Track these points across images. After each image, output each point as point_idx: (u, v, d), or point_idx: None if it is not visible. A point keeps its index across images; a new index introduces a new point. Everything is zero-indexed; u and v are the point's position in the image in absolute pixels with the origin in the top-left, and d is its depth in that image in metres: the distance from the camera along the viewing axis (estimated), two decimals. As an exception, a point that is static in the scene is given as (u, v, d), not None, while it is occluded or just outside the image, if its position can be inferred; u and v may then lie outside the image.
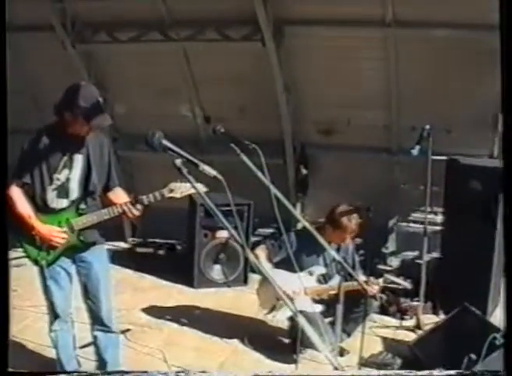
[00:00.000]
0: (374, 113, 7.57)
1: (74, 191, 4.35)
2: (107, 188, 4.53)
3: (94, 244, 4.49)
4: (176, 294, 7.12)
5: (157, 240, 8.30)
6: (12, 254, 7.22)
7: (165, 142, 3.10)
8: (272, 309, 5.45)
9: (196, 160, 3.05)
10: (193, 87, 8.07)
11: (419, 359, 5.30)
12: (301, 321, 2.78)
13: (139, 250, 8.30)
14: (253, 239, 7.28)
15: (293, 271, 4.85)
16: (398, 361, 5.34)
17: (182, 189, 4.20)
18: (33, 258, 4.38)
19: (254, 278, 7.25)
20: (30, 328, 5.82)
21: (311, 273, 5.50)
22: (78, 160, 4.32)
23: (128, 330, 5.73)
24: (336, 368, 2.62)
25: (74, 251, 4.43)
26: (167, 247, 8.23)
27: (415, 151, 5.96)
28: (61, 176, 4.29)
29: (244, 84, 7.73)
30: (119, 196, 4.51)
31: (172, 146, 3.09)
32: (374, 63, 7.23)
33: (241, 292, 7.21)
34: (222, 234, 7.25)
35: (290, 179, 8.02)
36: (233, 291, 7.27)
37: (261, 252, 5.50)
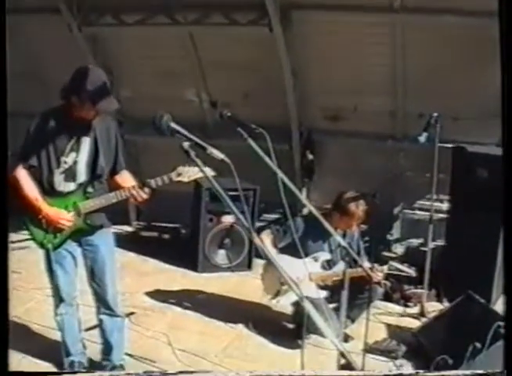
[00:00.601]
0: (380, 99, 7.54)
1: (82, 174, 4.34)
2: (114, 171, 4.52)
3: (101, 227, 4.49)
4: (180, 278, 7.14)
5: (162, 224, 8.30)
6: (17, 236, 7.33)
7: (173, 125, 3.08)
8: (277, 294, 5.45)
9: (203, 144, 3.04)
10: (200, 71, 8.04)
11: (423, 346, 5.32)
12: (307, 306, 2.76)
13: (144, 234, 8.31)
14: (258, 224, 7.28)
15: (298, 257, 4.86)
16: (403, 348, 5.34)
17: (189, 173, 4.18)
18: (39, 241, 4.37)
19: (258, 263, 7.25)
20: (35, 310, 5.85)
21: (315, 259, 5.50)
22: (86, 143, 4.31)
23: (132, 313, 5.73)
24: (342, 354, 2.61)
25: (81, 234, 4.43)
26: (171, 232, 8.24)
27: (422, 138, 5.95)
28: (68, 159, 4.28)
29: (251, 70, 7.70)
30: (126, 179, 4.51)
31: (180, 129, 3.07)
32: (381, 49, 7.19)
33: (245, 277, 7.22)
34: (227, 219, 7.27)
35: (295, 165, 8.00)
36: (237, 275, 7.29)
37: (266, 237, 5.50)
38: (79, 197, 4.32)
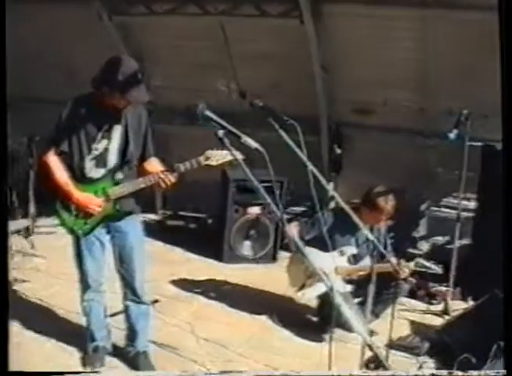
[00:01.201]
0: (411, 94, 7.48)
1: (112, 161, 4.38)
2: (143, 158, 4.55)
3: (130, 213, 4.53)
4: (205, 268, 7.15)
5: (188, 214, 8.31)
6: (44, 221, 7.41)
7: (208, 113, 3.10)
8: (302, 286, 5.46)
9: (238, 132, 3.05)
10: (229, 62, 8.03)
11: (446, 344, 5.28)
12: (337, 298, 2.76)
13: (170, 223, 8.33)
14: (284, 217, 7.26)
15: (325, 250, 4.85)
16: (426, 345, 5.32)
17: (218, 156, 4.20)
18: (68, 226, 4.42)
19: (284, 256, 7.28)
20: (60, 295, 5.89)
21: (342, 253, 5.49)
22: (117, 131, 4.35)
23: (156, 301, 5.75)
24: (369, 346, 2.61)
25: (110, 220, 4.47)
26: (197, 221, 8.25)
27: (452, 135, 5.91)
28: (99, 146, 4.32)
29: (280, 61, 7.68)
30: (154, 166, 4.53)
31: (215, 117, 3.09)
32: (412, 43, 7.12)
33: (270, 269, 7.21)
34: (254, 210, 7.28)
35: (323, 158, 7.98)
36: (262, 267, 7.29)
37: (294, 229, 5.48)
38: (108, 183, 4.36)
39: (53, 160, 4.29)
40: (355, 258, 5.57)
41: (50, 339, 5.06)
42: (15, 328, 4.95)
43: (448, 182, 7.13)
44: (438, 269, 5.64)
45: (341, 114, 7.95)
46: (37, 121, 8.18)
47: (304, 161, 3.77)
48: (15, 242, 7.06)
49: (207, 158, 4.24)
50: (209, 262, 7.38)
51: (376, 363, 2.65)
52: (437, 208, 7.70)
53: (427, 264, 5.56)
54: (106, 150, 4.34)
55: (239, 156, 3.45)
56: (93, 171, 4.36)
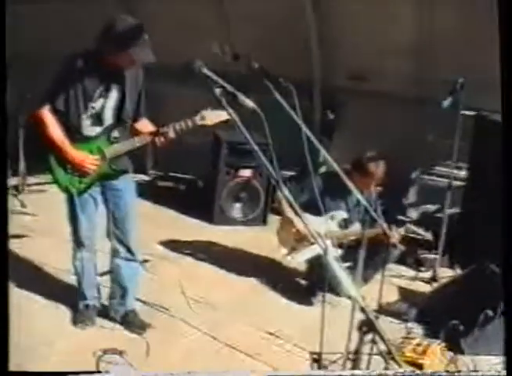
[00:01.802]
0: (406, 62, 7.42)
1: (108, 120, 4.35)
2: (135, 118, 4.52)
3: (124, 172, 4.50)
4: (195, 230, 7.17)
5: (178, 175, 8.30)
6: (35, 179, 7.37)
7: (205, 71, 3.07)
8: (291, 250, 5.48)
9: (235, 91, 3.02)
10: (224, 24, 7.96)
11: (434, 310, 5.33)
12: (330, 260, 2.77)
13: (160, 183, 8.33)
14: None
15: (315, 214, 4.85)
16: (414, 311, 5.36)
17: (213, 116, 4.18)
18: (63, 184, 4.37)
19: (273, 219, 7.29)
20: (50, 253, 5.88)
21: (332, 218, 5.51)
22: (114, 89, 4.31)
23: (146, 261, 5.76)
24: (362, 309, 2.62)
25: (105, 179, 4.45)
26: (187, 183, 8.25)
27: (446, 102, 5.89)
28: (96, 105, 4.28)
29: (276, 25, 7.60)
30: (146, 126, 4.52)
31: (212, 75, 3.06)
32: (408, 10, 7.06)
33: (260, 232, 7.23)
34: (245, 173, 7.28)
35: (315, 123, 7.95)
36: (252, 230, 7.31)
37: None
38: (104, 141, 4.33)
39: (49, 118, 4.23)
40: (346, 223, 5.59)
41: (41, 298, 5.08)
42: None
43: (440, 150, 7.12)
44: (428, 235, 5.67)
45: (336, 80, 7.89)
46: (28, 78, 8.16)
47: (300, 124, 3.75)
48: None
49: (202, 118, 4.22)
50: (199, 223, 7.37)
51: (368, 326, 2.64)
52: (427, 176, 7.70)
53: (418, 230, 5.59)
54: (102, 108, 4.30)
55: (235, 116, 3.43)
56: (89, 129, 4.31)
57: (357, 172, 5.50)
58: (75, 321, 4.79)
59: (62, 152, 4.25)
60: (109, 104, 4.32)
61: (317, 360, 4.34)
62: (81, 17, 8.07)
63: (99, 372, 4.05)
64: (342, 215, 5.55)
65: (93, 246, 4.72)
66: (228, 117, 3.79)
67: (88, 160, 4.29)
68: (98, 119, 4.31)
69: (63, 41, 8.01)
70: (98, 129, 4.33)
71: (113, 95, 4.31)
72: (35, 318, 4.72)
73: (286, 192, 3.03)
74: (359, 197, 4.52)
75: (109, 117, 4.35)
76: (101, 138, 4.33)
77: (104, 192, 4.55)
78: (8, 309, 3.02)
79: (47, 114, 4.23)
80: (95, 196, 4.50)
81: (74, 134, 4.28)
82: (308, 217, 5.00)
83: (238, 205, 7.42)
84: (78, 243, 4.65)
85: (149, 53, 4.16)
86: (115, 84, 4.30)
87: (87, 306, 4.82)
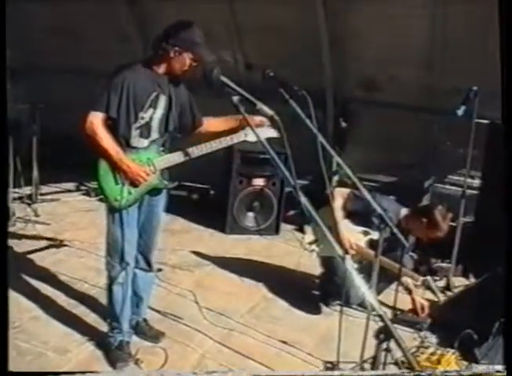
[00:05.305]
0: (418, 71, 7.41)
1: (155, 131, 4.25)
2: (194, 126, 4.51)
3: (172, 185, 4.49)
4: (207, 239, 7.18)
5: (191, 184, 8.29)
6: (49, 189, 7.40)
7: (223, 78, 3.07)
8: (314, 242, 5.37)
9: (253, 99, 3.02)
10: (236, 33, 7.98)
11: (448, 320, 5.30)
12: (349, 264, 2.76)
13: (173, 192, 8.30)
14: (287, 189, 7.23)
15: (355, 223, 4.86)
16: (428, 320, 5.35)
17: (261, 134, 3.70)
18: (113, 196, 4.19)
19: (286, 228, 7.31)
20: (62, 262, 5.92)
21: (366, 234, 5.42)
22: (162, 99, 4.21)
23: (160, 270, 5.75)
24: (380, 316, 2.62)
25: (152, 191, 4.35)
26: (200, 192, 8.24)
27: (460, 111, 5.87)
28: (146, 115, 4.16)
29: (288, 34, 7.62)
30: (214, 123, 4.53)
31: (230, 83, 3.06)
32: (421, 20, 7.06)
33: (272, 241, 7.23)
34: (258, 182, 7.26)
35: (328, 132, 7.94)
36: (264, 239, 7.29)
37: (340, 197, 5.37)
38: (153, 153, 4.25)
39: (100, 127, 4.02)
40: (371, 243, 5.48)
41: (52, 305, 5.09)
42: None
43: (454, 159, 7.10)
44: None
45: (348, 89, 7.90)
46: (41, 88, 8.21)
47: (315, 133, 3.75)
48: (18, 209, 7.07)
49: (246, 135, 4.25)
50: (211, 232, 7.37)
51: (385, 333, 2.63)
52: (441, 185, 7.68)
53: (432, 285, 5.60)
54: (151, 119, 4.18)
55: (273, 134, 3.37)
56: (137, 140, 4.18)
57: (426, 223, 5.41)
58: (112, 361, 4.41)
59: (116, 162, 4.10)
60: (157, 115, 4.21)
61: (331, 369, 4.33)
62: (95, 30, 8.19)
63: (96, 372, 3.98)
64: (374, 235, 5.32)
65: (132, 260, 4.46)
66: (275, 134, 3.81)
67: (143, 170, 4.18)
68: (146, 130, 4.19)
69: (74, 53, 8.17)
70: (146, 141, 4.22)
71: (161, 104, 4.21)
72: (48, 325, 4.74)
73: (302, 199, 3.01)
74: (404, 241, 4.28)
75: (156, 128, 4.23)
76: (150, 149, 4.23)
77: (141, 204, 4.40)
78: (8, 309, 3.02)
79: (98, 123, 4.03)
80: (136, 208, 4.36)
81: (124, 144, 4.15)
82: (347, 225, 5.08)
83: (251, 214, 7.40)
84: (121, 261, 4.34)
85: (210, 52, 4.13)
86: (162, 94, 4.19)
87: (121, 343, 4.48)
